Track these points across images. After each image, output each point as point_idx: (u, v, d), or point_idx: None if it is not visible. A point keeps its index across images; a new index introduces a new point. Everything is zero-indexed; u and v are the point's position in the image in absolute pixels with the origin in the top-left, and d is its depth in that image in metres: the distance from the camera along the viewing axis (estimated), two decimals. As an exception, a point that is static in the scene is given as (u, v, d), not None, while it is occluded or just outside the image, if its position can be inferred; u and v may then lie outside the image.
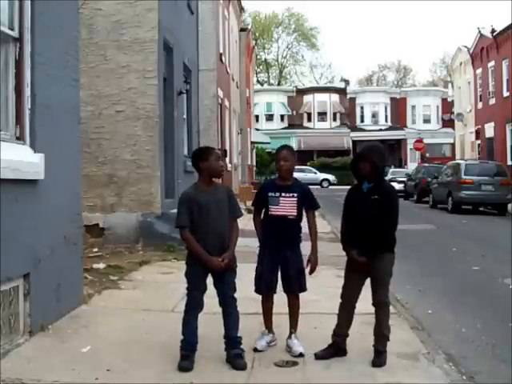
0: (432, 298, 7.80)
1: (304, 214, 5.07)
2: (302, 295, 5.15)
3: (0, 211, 4.63)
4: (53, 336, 5.33)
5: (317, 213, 5.39)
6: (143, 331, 5.54)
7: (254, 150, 39.78)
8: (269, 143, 41.72)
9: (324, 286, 7.25)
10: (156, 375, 4.45)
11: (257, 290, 5.08)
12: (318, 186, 44.09)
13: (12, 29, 5.18)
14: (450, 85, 56.25)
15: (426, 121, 55.83)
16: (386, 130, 54.59)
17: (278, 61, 69.86)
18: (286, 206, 4.94)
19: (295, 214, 4.95)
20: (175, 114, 12.18)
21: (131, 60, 10.56)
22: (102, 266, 8.44)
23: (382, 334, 4.82)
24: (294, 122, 55.53)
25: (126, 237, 10.41)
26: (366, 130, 54.12)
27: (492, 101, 34.34)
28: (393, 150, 51.32)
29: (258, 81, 65.11)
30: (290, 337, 5.02)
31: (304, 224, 5.08)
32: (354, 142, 51.04)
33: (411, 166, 43.81)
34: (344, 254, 5.01)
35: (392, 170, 35.51)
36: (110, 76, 10.55)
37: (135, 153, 10.59)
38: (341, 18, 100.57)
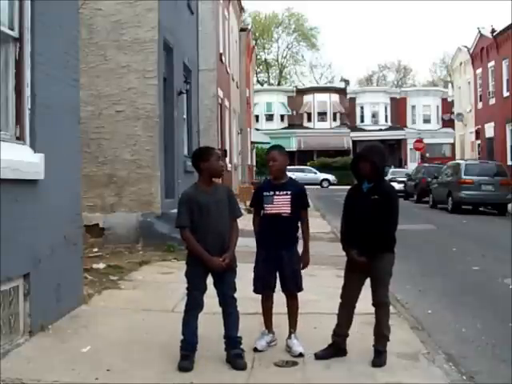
0: (432, 297, 7.80)
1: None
2: (302, 295, 5.16)
3: (0, 211, 4.63)
4: (53, 336, 5.33)
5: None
6: (143, 331, 5.55)
7: (254, 150, 39.76)
8: (269, 143, 41.54)
9: (324, 286, 7.26)
10: (156, 375, 4.45)
11: (255, 290, 5.11)
12: (318, 186, 44.12)
13: (12, 29, 5.18)
14: (449, 85, 56.26)
15: (426, 121, 55.83)
16: (386, 130, 54.59)
17: (278, 61, 69.90)
18: (279, 203, 4.98)
19: (289, 211, 4.97)
20: (175, 114, 12.18)
21: (131, 60, 10.56)
22: (101, 266, 8.44)
23: (381, 334, 4.82)
24: (294, 122, 55.53)
25: (126, 237, 10.41)
26: (365, 130, 54.13)
27: (492, 101, 34.33)
28: (393, 150, 51.33)
29: (258, 81, 65.12)
30: (289, 337, 5.03)
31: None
32: (354, 142, 51.05)
33: (411, 165, 43.81)
34: (344, 253, 5.01)
35: (392, 170, 35.52)
36: (110, 76, 10.56)
37: (135, 153, 10.59)
38: (341, 18, 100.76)
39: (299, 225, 5.08)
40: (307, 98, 56.05)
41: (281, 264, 4.98)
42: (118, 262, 8.83)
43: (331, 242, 11.56)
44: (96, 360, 4.72)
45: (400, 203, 5.03)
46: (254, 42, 46.10)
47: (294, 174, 36.41)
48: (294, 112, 55.53)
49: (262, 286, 5.05)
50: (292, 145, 52.98)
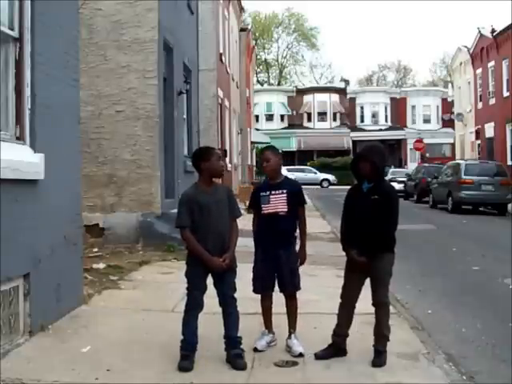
0: (432, 297, 7.80)
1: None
2: (302, 295, 5.16)
3: (0, 211, 4.63)
4: (53, 336, 5.33)
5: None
6: (143, 331, 5.55)
7: (254, 150, 39.75)
8: (269, 143, 41.66)
9: (324, 286, 7.26)
10: (156, 375, 4.46)
11: (254, 290, 5.12)
12: (318, 186, 44.11)
13: (12, 29, 5.18)
14: (449, 85, 56.25)
15: (426, 121, 55.82)
16: (386, 130, 54.58)
17: (278, 61, 69.88)
18: (276, 202, 5.00)
19: (286, 209, 4.99)
20: (175, 114, 12.18)
21: (131, 60, 10.56)
22: (101, 266, 8.44)
23: (381, 334, 4.82)
24: (294, 121, 55.51)
25: (126, 237, 10.41)
26: (365, 130, 54.11)
27: (492, 101, 34.33)
28: (393, 150, 51.31)
29: (258, 81, 65.11)
30: (289, 337, 5.03)
31: None
32: (354, 142, 51.03)
33: (411, 165, 43.81)
34: (344, 254, 5.01)
35: (392, 170, 35.51)
36: (110, 76, 10.56)
37: (135, 153, 10.59)
38: (341, 18, 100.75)
39: (297, 224, 5.09)
40: (307, 98, 56.04)
41: (279, 264, 4.99)
42: (117, 262, 8.83)
43: (331, 242, 11.57)
44: (96, 360, 4.72)
45: (400, 203, 5.03)
46: (254, 42, 46.10)
47: (294, 174, 36.53)
48: (294, 112, 55.51)
49: (261, 286, 5.06)
50: (292, 145, 53.02)
